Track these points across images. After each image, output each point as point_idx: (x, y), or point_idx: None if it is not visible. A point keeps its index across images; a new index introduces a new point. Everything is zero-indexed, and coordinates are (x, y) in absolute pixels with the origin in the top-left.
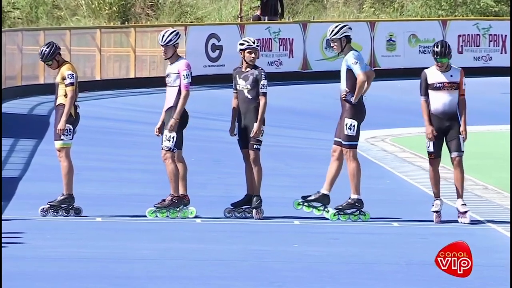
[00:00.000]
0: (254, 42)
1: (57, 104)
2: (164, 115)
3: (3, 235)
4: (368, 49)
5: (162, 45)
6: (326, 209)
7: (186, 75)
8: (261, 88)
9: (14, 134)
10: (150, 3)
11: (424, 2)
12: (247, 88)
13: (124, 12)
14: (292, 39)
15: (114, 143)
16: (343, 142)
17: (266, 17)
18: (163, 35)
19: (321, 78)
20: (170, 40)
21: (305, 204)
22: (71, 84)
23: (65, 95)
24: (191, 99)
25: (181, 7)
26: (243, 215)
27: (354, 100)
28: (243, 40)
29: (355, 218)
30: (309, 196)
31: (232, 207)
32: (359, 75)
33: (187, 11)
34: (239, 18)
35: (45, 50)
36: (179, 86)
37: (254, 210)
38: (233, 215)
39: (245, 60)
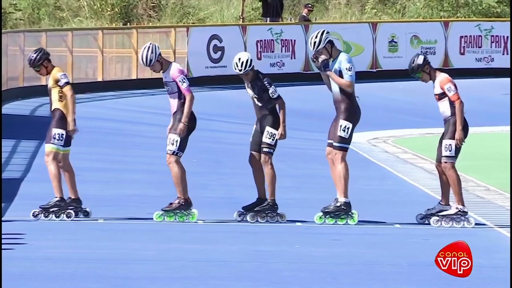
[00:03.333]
0: (242, 65)
1: (52, 109)
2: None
3: (4, 236)
4: (370, 50)
5: (150, 67)
6: (350, 215)
7: (182, 79)
8: (272, 96)
9: (15, 135)
10: (152, 4)
11: (426, 3)
12: (256, 97)
13: (126, 14)
14: (294, 40)
15: (115, 144)
16: (334, 144)
17: (268, 18)
18: (143, 59)
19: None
20: (151, 60)
21: (327, 216)
22: (67, 83)
23: (60, 99)
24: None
25: (183, 8)
26: (257, 220)
27: (334, 78)
28: (234, 62)
29: (342, 221)
30: (328, 207)
31: (243, 211)
32: (348, 82)
33: (189, 12)
34: (241, 19)
35: (33, 56)
36: (178, 91)
37: (250, 213)
38: (244, 219)
39: None
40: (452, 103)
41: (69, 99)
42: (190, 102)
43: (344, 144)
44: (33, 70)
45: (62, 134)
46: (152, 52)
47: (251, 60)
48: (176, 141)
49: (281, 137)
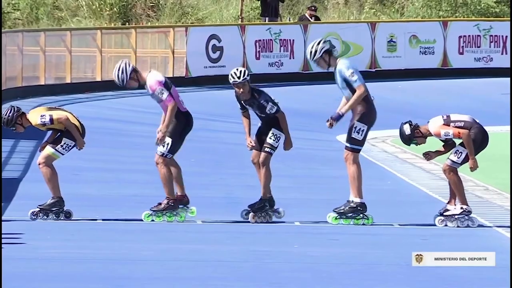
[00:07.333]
0: (241, 74)
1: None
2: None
3: (3, 236)
4: (369, 50)
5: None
6: (365, 217)
7: (161, 91)
8: (270, 113)
9: (14, 135)
10: (151, 4)
11: (424, 3)
12: (257, 112)
13: (125, 13)
14: (293, 40)
15: (114, 144)
16: (347, 144)
17: (266, 18)
18: (116, 80)
19: (322, 79)
20: (123, 80)
21: (343, 217)
22: (51, 118)
23: (61, 128)
24: (192, 100)
25: (182, 8)
26: (264, 220)
27: (344, 111)
28: (230, 74)
29: (358, 222)
30: (342, 208)
31: (249, 209)
32: (360, 87)
33: (188, 12)
34: (240, 19)
35: (7, 116)
36: (162, 101)
37: (251, 214)
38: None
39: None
40: (459, 138)
41: (66, 125)
42: (172, 112)
43: (356, 145)
44: (32, 70)
45: (70, 145)
46: (122, 72)
47: (248, 73)
48: (168, 143)
49: (288, 148)
